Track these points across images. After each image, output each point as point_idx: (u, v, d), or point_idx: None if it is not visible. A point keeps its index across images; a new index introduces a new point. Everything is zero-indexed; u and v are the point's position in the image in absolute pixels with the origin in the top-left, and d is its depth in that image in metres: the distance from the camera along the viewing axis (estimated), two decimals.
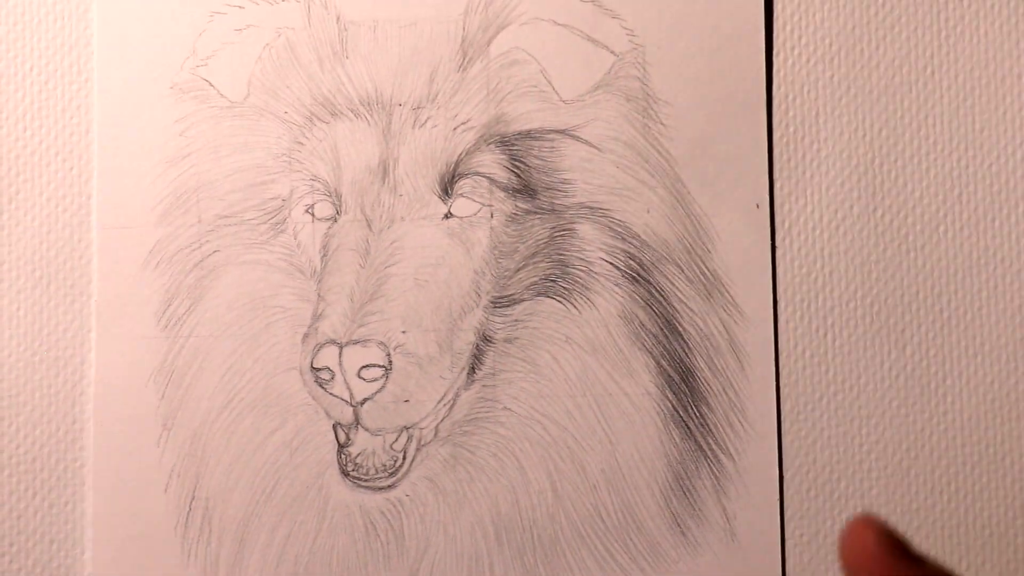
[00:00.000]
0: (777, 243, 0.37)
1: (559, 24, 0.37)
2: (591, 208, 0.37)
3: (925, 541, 0.37)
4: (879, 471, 0.37)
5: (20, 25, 0.38)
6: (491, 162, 0.37)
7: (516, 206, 0.37)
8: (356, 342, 0.36)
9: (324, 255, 0.37)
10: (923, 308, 0.38)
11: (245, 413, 0.37)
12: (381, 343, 0.36)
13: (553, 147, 0.37)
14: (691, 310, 0.37)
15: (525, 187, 0.37)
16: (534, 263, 0.37)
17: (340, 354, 0.36)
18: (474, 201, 0.37)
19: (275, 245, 0.37)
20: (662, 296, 0.37)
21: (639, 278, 0.37)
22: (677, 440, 0.37)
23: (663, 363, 0.37)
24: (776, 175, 0.37)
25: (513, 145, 0.37)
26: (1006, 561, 0.37)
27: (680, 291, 0.37)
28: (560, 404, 0.37)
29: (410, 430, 0.37)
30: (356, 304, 0.37)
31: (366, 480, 0.37)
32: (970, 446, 0.37)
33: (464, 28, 0.37)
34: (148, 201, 0.37)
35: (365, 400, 0.36)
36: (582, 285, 0.37)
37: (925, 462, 0.37)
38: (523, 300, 0.37)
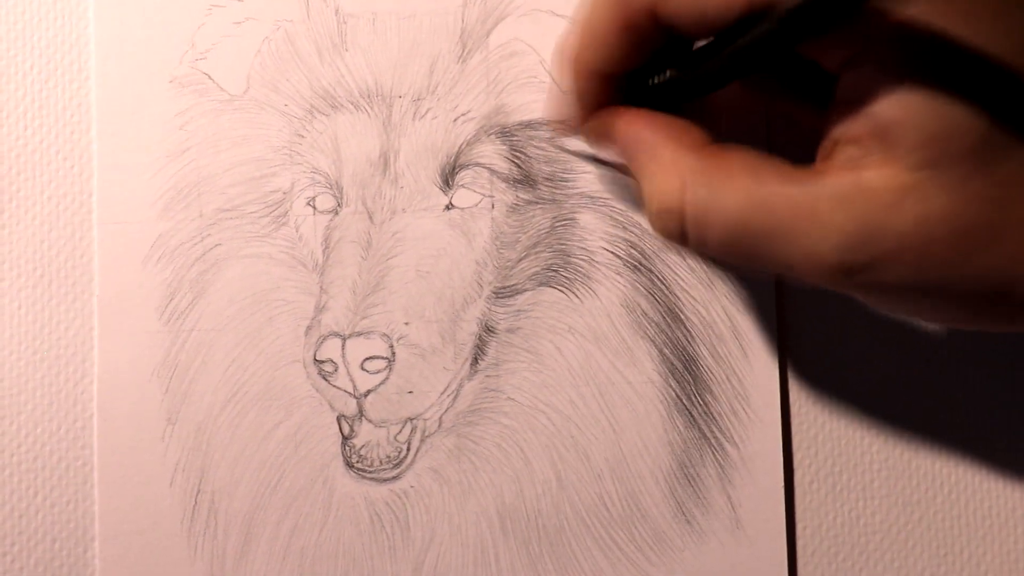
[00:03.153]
0: None
1: (558, 15, 0.37)
2: (592, 197, 0.37)
3: (928, 531, 0.37)
4: (883, 460, 0.37)
5: (20, 24, 0.38)
6: (492, 153, 0.37)
7: (517, 196, 0.37)
8: (359, 334, 0.36)
9: (326, 248, 0.37)
10: None
11: (249, 407, 0.37)
12: (384, 335, 0.36)
13: (553, 137, 0.37)
14: (693, 298, 0.37)
15: (526, 177, 0.37)
16: (536, 253, 0.37)
17: (343, 346, 0.36)
18: (475, 192, 0.37)
19: (277, 238, 0.37)
20: (664, 284, 0.37)
21: (641, 267, 0.37)
22: (681, 428, 0.37)
23: (666, 351, 0.37)
24: None
25: (513, 136, 0.37)
26: (1007, 552, 0.37)
27: (682, 279, 0.37)
28: (563, 393, 0.37)
29: (414, 421, 0.37)
30: (358, 296, 0.37)
31: (371, 472, 0.37)
32: (976, 435, 0.37)
33: (463, 20, 0.38)
34: (149, 196, 0.37)
35: (369, 392, 0.36)
36: (584, 274, 0.37)
37: (930, 450, 0.37)
38: (525, 290, 0.37)
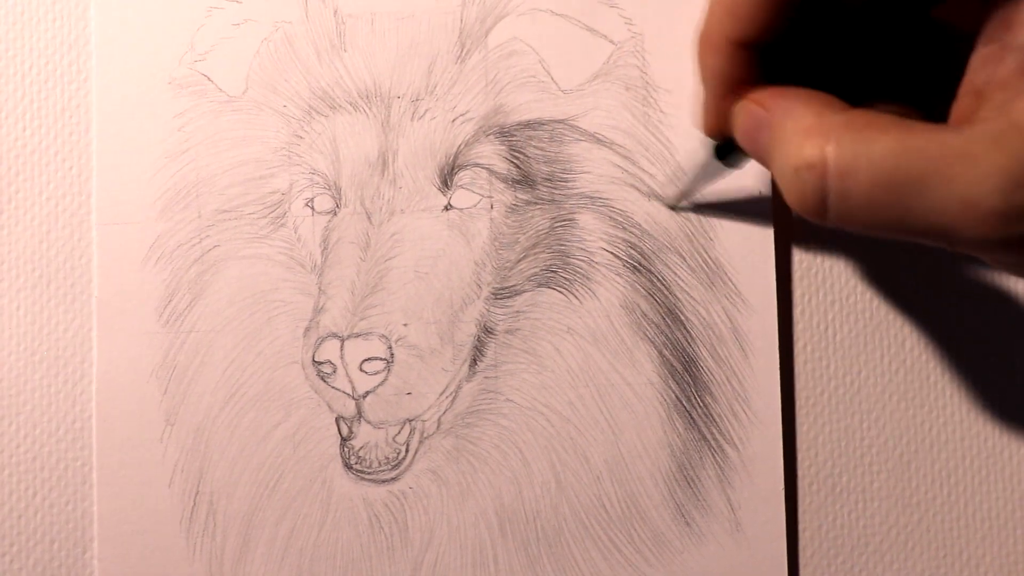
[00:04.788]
0: (779, 230, 0.37)
1: (557, 14, 0.37)
2: (591, 198, 0.37)
3: (927, 532, 0.37)
4: (883, 462, 0.37)
5: (19, 24, 0.38)
6: (490, 153, 0.37)
7: (516, 197, 0.37)
8: (357, 335, 0.36)
9: (324, 248, 0.37)
10: (928, 295, 0.37)
11: (247, 408, 0.37)
12: (383, 336, 0.36)
13: (552, 137, 0.37)
14: (693, 299, 0.37)
15: (525, 178, 0.37)
16: (535, 254, 0.37)
17: (342, 347, 0.36)
18: (474, 192, 0.37)
19: (275, 239, 0.37)
20: (664, 285, 0.37)
21: (640, 267, 0.37)
22: (680, 430, 0.37)
23: (665, 352, 0.37)
24: None
25: (512, 136, 0.37)
26: (1006, 554, 0.37)
27: (682, 280, 0.37)
28: (562, 395, 0.37)
29: (413, 423, 0.37)
30: (357, 297, 0.37)
31: (369, 473, 0.37)
32: (977, 437, 0.37)
33: (462, 19, 0.37)
34: (148, 197, 0.37)
35: (367, 393, 0.36)
36: (583, 275, 0.37)
37: (928, 452, 0.37)
38: (524, 291, 0.37)
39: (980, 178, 0.25)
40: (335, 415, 0.37)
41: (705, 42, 0.31)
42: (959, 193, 0.25)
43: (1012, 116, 0.25)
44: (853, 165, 0.26)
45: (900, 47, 0.31)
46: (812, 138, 0.27)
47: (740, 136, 0.31)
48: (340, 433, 0.37)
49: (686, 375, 0.37)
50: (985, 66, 0.27)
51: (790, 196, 0.28)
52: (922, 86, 0.31)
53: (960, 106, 0.28)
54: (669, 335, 0.37)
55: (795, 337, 0.37)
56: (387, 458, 0.37)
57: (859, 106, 0.29)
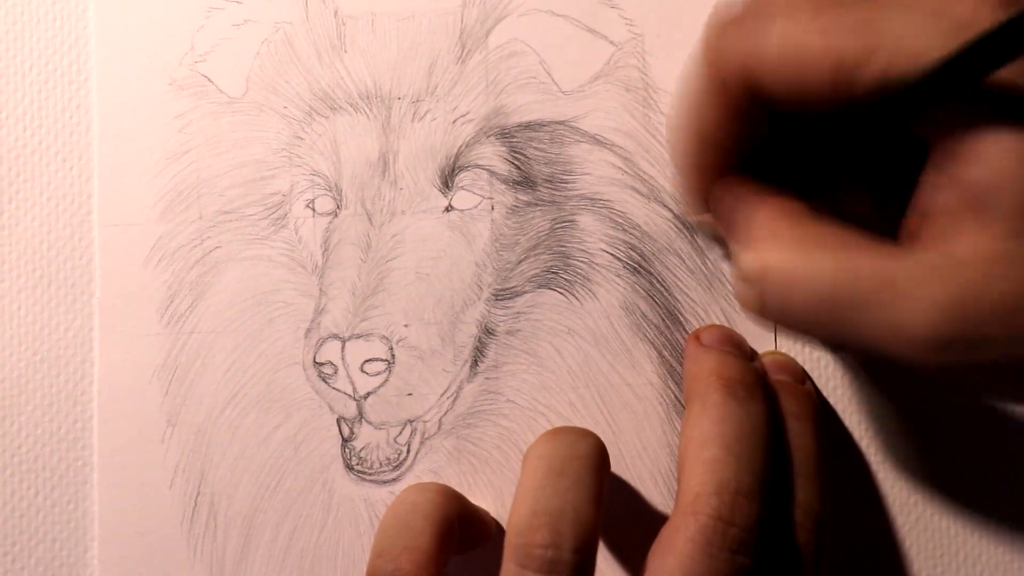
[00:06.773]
0: None
1: (557, 15, 0.37)
2: (592, 199, 0.37)
3: (923, 534, 0.37)
4: (879, 461, 0.37)
5: (19, 25, 0.38)
6: (491, 154, 0.37)
7: (517, 198, 0.37)
8: (358, 336, 0.36)
9: (325, 250, 0.37)
10: None
11: (249, 409, 0.37)
12: (384, 337, 0.36)
13: (553, 139, 0.37)
14: (692, 300, 0.37)
15: (525, 179, 0.37)
16: (535, 255, 0.37)
17: (343, 348, 0.36)
18: (474, 194, 0.37)
19: (276, 240, 0.37)
20: (663, 287, 0.37)
21: (640, 269, 0.37)
22: (680, 430, 0.37)
23: (665, 353, 0.37)
24: None
25: (513, 137, 0.37)
26: (1002, 552, 0.37)
27: (681, 282, 0.37)
28: (563, 396, 0.37)
29: (414, 423, 0.37)
30: (358, 298, 0.37)
31: (370, 474, 0.37)
32: (973, 435, 0.37)
33: (462, 20, 0.37)
34: (149, 198, 0.37)
35: (368, 394, 0.36)
36: (584, 276, 0.37)
37: (927, 450, 0.37)
38: (525, 292, 0.37)
39: (912, 310, 0.26)
40: (336, 416, 0.37)
41: (676, 132, 0.32)
42: (891, 320, 0.26)
43: (950, 248, 0.26)
44: (791, 282, 0.28)
45: (875, 147, 0.32)
46: (758, 247, 0.29)
47: (715, 216, 0.33)
48: (341, 434, 0.37)
49: None
50: (934, 190, 0.27)
51: (735, 293, 0.30)
52: (890, 181, 0.31)
53: (911, 221, 0.28)
54: (669, 336, 0.37)
55: (783, 338, 0.37)
56: (388, 459, 0.37)
57: (827, 189, 0.31)
